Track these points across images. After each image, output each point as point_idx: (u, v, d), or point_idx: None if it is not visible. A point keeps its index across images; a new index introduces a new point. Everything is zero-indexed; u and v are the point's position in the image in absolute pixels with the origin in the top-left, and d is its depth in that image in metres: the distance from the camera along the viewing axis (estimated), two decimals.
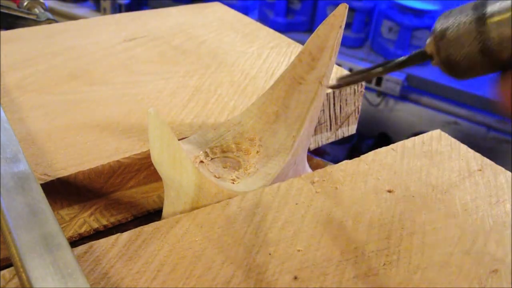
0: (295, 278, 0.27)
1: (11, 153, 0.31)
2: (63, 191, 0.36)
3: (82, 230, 0.35)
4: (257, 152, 0.36)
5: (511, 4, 0.21)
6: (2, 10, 0.70)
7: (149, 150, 0.34)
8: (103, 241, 0.28)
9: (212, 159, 0.36)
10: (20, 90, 0.46)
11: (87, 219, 0.36)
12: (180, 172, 0.32)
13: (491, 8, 0.21)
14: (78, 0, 1.65)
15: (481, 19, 0.21)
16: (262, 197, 0.32)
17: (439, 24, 0.23)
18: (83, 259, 0.27)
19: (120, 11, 1.51)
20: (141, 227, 0.29)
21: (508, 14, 0.21)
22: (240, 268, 0.27)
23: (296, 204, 0.32)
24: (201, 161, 0.35)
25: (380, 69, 0.28)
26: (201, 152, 0.36)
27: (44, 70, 0.50)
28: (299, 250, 0.29)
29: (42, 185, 0.32)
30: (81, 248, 0.28)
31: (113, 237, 0.29)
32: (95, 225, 0.36)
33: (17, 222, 0.25)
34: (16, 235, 0.25)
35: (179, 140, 0.36)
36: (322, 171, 0.35)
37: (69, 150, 0.38)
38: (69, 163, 0.36)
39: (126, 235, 0.29)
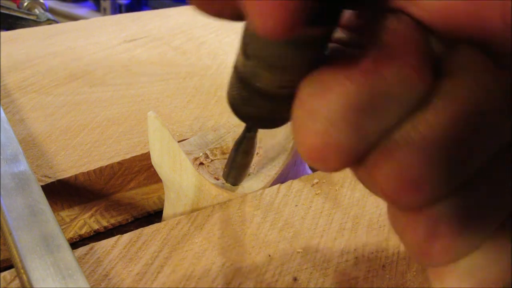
0: (295, 279, 0.27)
1: (11, 153, 0.31)
2: (63, 193, 0.36)
3: (83, 231, 0.35)
4: (257, 153, 0.37)
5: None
6: (2, 11, 0.70)
7: (149, 151, 0.34)
8: (103, 243, 0.28)
9: (212, 160, 0.36)
10: (20, 91, 0.46)
11: (87, 220, 0.36)
12: (180, 173, 0.32)
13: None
14: (78, 1, 1.65)
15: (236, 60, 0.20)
16: (262, 199, 0.32)
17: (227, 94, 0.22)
18: (83, 261, 0.27)
19: (120, 12, 1.51)
20: (142, 228, 0.29)
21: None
22: (240, 269, 0.27)
23: (296, 205, 0.32)
24: (201, 163, 0.35)
25: (239, 157, 0.31)
26: (201, 153, 0.36)
27: (45, 71, 0.50)
28: (298, 252, 0.29)
29: (42, 186, 0.32)
30: (81, 250, 0.28)
31: (114, 238, 0.29)
32: (96, 227, 0.36)
33: (17, 223, 0.25)
34: (17, 236, 0.25)
35: (179, 141, 0.36)
36: (322, 173, 0.35)
37: (70, 151, 0.38)
38: (70, 164, 0.36)
39: (126, 236, 0.29)
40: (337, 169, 0.16)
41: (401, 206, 0.16)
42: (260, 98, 0.19)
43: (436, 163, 0.15)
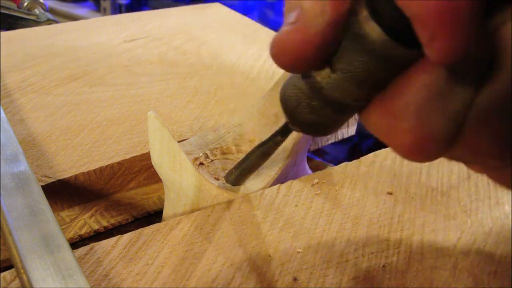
0: (295, 279, 0.27)
1: (11, 153, 0.31)
2: (63, 193, 0.36)
3: (83, 231, 0.35)
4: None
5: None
6: (2, 11, 0.70)
7: (149, 151, 0.34)
8: (103, 243, 0.28)
9: (212, 160, 0.36)
10: (20, 91, 0.46)
11: (87, 220, 0.36)
12: (180, 174, 0.32)
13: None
14: (78, 0, 1.65)
15: (308, 77, 0.20)
16: (262, 199, 0.32)
17: (281, 94, 0.23)
18: (83, 261, 0.27)
19: (120, 12, 1.51)
20: (142, 228, 0.29)
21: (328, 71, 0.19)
22: (240, 269, 0.27)
23: (296, 205, 0.32)
24: (201, 163, 0.35)
25: (254, 157, 0.30)
26: (201, 153, 0.36)
27: (45, 71, 0.50)
28: (298, 252, 0.29)
29: (42, 186, 0.32)
30: (81, 250, 0.28)
31: (114, 238, 0.29)
32: (96, 227, 0.36)
33: (17, 223, 0.25)
34: (17, 236, 0.25)
35: (179, 142, 0.36)
36: (322, 173, 0.35)
37: (70, 151, 0.38)
38: (70, 164, 0.36)
39: (126, 236, 0.29)
40: (437, 156, 0.17)
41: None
42: (331, 109, 0.20)
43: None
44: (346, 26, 0.17)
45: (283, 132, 0.28)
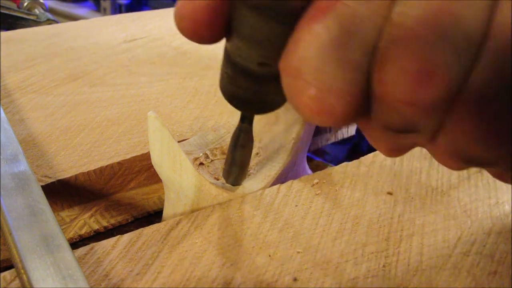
0: (295, 279, 0.27)
1: (11, 153, 0.31)
2: (63, 193, 0.36)
3: (83, 231, 0.35)
4: (257, 153, 0.37)
5: None
6: (2, 11, 0.70)
7: (149, 151, 0.34)
8: (103, 243, 0.28)
9: (212, 160, 0.36)
10: (20, 91, 0.46)
11: (87, 220, 0.36)
12: (180, 174, 0.32)
13: None
14: (78, 0, 1.65)
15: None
16: (262, 199, 0.32)
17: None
18: (83, 261, 0.27)
19: (120, 12, 1.51)
20: (142, 228, 0.30)
21: None
22: (240, 269, 0.27)
23: (296, 205, 0.32)
24: (201, 163, 0.35)
25: (234, 153, 0.30)
26: (201, 153, 0.36)
27: (45, 71, 0.50)
28: (298, 252, 0.29)
29: (42, 186, 0.32)
30: (81, 250, 0.28)
31: (114, 238, 0.29)
32: (96, 227, 0.36)
33: (17, 223, 0.25)
34: (17, 236, 0.25)
35: (179, 142, 0.36)
36: (322, 173, 0.35)
37: (70, 151, 0.38)
38: (70, 164, 0.36)
39: (126, 236, 0.29)
40: (348, 115, 0.16)
41: (421, 103, 0.15)
42: (243, 77, 0.20)
43: (434, 51, 0.14)
44: None
45: (241, 118, 0.28)
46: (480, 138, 0.15)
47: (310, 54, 0.15)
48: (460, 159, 0.17)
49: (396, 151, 0.19)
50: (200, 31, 0.18)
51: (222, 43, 0.20)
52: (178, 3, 0.18)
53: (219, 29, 0.18)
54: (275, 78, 0.18)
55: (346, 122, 0.16)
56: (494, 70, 0.14)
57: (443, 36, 0.14)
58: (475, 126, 0.15)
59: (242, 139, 0.30)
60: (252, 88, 0.20)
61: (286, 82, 0.16)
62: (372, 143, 0.20)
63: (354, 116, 0.16)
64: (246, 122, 0.28)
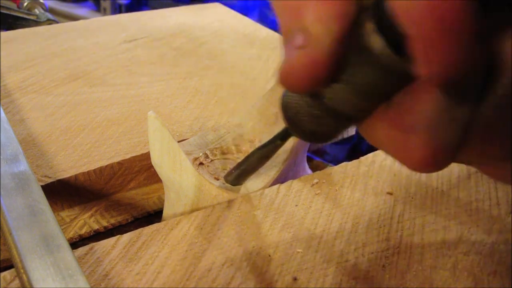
0: (295, 279, 0.27)
1: (11, 153, 0.31)
2: (63, 193, 0.36)
3: (83, 231, 0.35)
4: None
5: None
6: (2, 11, 0.70)
7: (149, 151, 0.34)
8: (103, 243, 0.28)
9: (212, 160, 0.36)
10: (20, 91, 0.46)
11: (87, 220, 0.36)
12: (180, 174, 0.32)
13: None
14: (78, 0, 1.65)
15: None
16: (262, 199, 0.32)
17: (282, 101, 0.22)
18: (83, 261, 0.27)
19: (120, 12, 1.51)
20: (142, 228, 0.30)
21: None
22: (240, 269, 0.27)
23: (296, 205, 0.32)
24: (201, 163, 0.35)
25: (253, 160, 0.30)
26: (201, 153, 0.36)
27: (45, 71, 0.50)
28: (298, 252, 0.29)
29: (42, 186, 0.32)
30: (81, 250, 0.28)
31: (114, 238, 0.29)
32: (96, 227, 0.36)
33: (17, 223, 0.25)
34: (17, 236, 0.25)
35: (179, 142, 0.36)
36: (322, 173, 0.35)
37: (70, 151, 0.38)
38: (70, 164, 0.36)
39: (126, 236, 0.29)
40: (447, 165, 0.17)
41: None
42: (332, 119, 0.20)
43: None
44: (351, 39, 0.17)
45: (282, 136, 0.28)
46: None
47: (428, 115, 0.16)
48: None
49: None
50: (312, 86, 0.18)
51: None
52: (290, 63, 0.18)
53: (326, 82, 0.18)
54: (361, 119, 0.19)
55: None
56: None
57: None
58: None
59: (269, 151, 0.30)
60: (336, 127, 0.21)
61: (391, 136, 0.17)
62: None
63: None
64: (284, 140, 0.28)
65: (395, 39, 0.16)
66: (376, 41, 0.16)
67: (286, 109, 0.21)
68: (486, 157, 0.17)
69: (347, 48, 0.17)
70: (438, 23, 0.14)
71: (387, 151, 0.18)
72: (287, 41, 0.18)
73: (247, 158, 0.31)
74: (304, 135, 0.22)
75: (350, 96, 0.18)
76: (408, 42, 0.15)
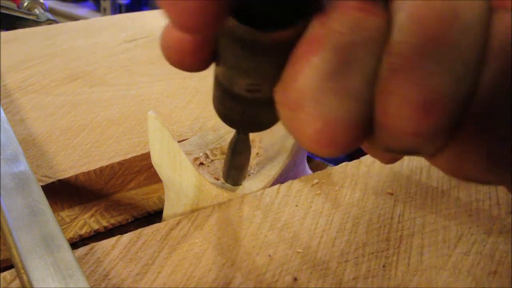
0: (295, 279, 0.27)
1: (11, 153, 0.31)
2: (63, 193, 0.36)
3: (83, 231, 0.35)
4: (257, 153, 0.37)
5: None
6: (2, 11, 0.70)
7: (149, 151, 0.34)
8: (103, 243, 0.28)
9: (212, 160, 0.36)
10: (20, 91, 0.46)
11: (87, 220, 0.36)
12: (180, 174, 0.32)
13: None
14: (78, 0, 1.65)
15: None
16: (262, 199, 0.32)
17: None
18: (83, 261, 0.27)
19: (120, 12, 1.51)
20: (142, 228, 0.29)
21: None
22: (240, 269, 0.27)
23: (296, 205, 0.32)
24: (201, 163, 0.35)
25: (232, 157, 0.30)
26: (201, 153, 0.36)
27: (45, 71, 0.50)
28: (299, 252, 0.29)
29: (42, 186, 0.32)
30: (81, 250, 0.28)
31: (114, 238, 0.29)
32: (96, 227, 0.36)
33: (17, 223, 0.25)
34: (17, 236, 0.25)
35: (179, 142, 0.36)
36: (322, 173, 0.35)
37: (70, 151, 0.38)
38: (70, 164, 0.36)
39: (126, 236, 0.29)
40: (353, 144, 0.15)
41: (425, 133, 0.15)
42: (232, 100, 0.20)
43: (436, 80, 0.14)
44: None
45: (237, 130, 0.28)
46: (481, 162, 0.15)
47: (311, 87, 0.15)
48: (460, 177, 0.17)
49: (394, 160, 0.20)
50: (187, 61, 0.18)
51: None
52: (163, 33, 0.18)
53: (205, 59, 0.18)
54: (266, 102, 0.18)
55: (351, 150, 0.16)
56: (494, 91, 0.14)
57: (443, 64, 0.14)
58: (476, 149, 0.15)
59: (239, 147, 0.30)
60: (242, 110, 0.20)
61: (286, 115, 0.16)
62: (371, 155, 0.20)
63: (359, 144, 0.16)
64: (241, 133, 0.28)
65: (240, 10, 0.15)
66: (229, 19, 0.15)
67: (212, 101, 0.22)
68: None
69: (218, 34, 0.17)
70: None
71: (290, 133, 0.16)
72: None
73: (227, 159, 0.31)
74: (225, 121, 0.22)
75: (232, 75, 0.18)
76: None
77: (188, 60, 0.17)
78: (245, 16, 0.15)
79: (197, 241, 0.29)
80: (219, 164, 0.36)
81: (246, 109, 0.20)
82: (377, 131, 0.16)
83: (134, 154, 0.38)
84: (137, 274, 0.27)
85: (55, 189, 0.35)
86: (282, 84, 0.16)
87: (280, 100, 0.16)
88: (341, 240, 0.30)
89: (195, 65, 0.18)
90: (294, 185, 0.34)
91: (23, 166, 0.30)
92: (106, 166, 0.37)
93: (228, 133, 0.38)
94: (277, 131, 0.37)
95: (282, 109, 0.16)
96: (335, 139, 0.15)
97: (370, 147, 0.19)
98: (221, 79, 0.19)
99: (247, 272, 0.27)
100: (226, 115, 0.21)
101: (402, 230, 0.31)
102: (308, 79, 0.15)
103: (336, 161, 0.38)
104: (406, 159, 0.38)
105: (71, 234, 0.35)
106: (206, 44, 0.17)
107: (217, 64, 0.19)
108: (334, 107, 0.15)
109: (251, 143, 0.37)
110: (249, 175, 0.35)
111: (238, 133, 0.28)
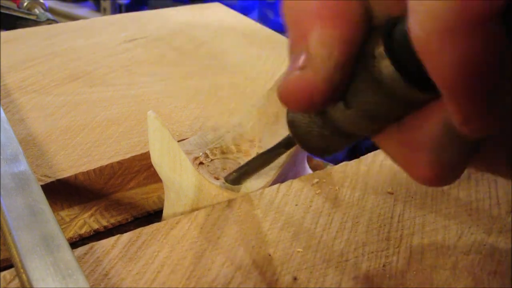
0: (295, 279, 0.27)
1: (11, 153, 0.31)
2: (63, 192, 0.36)
3: (82, 231, 0.35)
4: (257, 153, 0.37)
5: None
6: (2, 11, 0.70)
7: (149, 151, 0.34)
8: (103, 242, 0.28)
9: (212, 160, 0.36)
10: (20, 91, 0.46)
11: (87, 220, 0.36)
12: (180, 173, 0.32)
13: None
14: (78, 0, 1.65)
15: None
16: (262, 198, 0.32)
17: (288, 117, 0.22)
18: (83, 260, 0.27)
19: (120, 12, 1.51)
20: (141, 228, 0.29)
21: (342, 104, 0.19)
22: (240, 269, 0.27)
23: (296, 205, 0.32)
24: (201, 163, 0.35)
25: (255, 164, 0.31)
26: (201, 153, 0.36)
27: (44, 71, 0.50)
28: (298, 251, 0.29)
29: (42, 186, 0.32)
30: (81, 249, 0.28)
31: (113, 238, 0.29)
32: (95, 226, 0.36)
33: (17, 223, 0.25)
34: (17, 236, 0.25)
35: (178, 141, 0.36)
36: (322, 172, 0.35)
37: (69, 151, 0.38)
38: (69, 164, 0.36)
39: (126, 236, 0.29)
40: (454, 181, 0.18)
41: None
42: (341, 138, 0.20)
43: None
44: (359, 63, 0.17)
45: (286, 145, 0.28)
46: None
47: (436, 135, 0.17)
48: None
49: None
50: (310, 109, 0.18)
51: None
52: (287, 83, 0.17)
53: (330, 103, 0.18)
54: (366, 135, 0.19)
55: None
56: None
57: None
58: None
59: (274, 159, 0.30)
60: (345, 144, 0.21)
61: (400, 152, 0.18)
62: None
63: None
64: (287, 148, 0.29)
65: (406, 67, 0.15)
66: (385, 66, 0.16)
67: (295, 128, 0.21)
68: (493, 169, 0.18)
69: (353, 71, 0.17)
70: (476, 76, 0.13)
71: (399, 165, 0.19)
72: (291, 58, 0.18)
73: (249, 162, 0.31)
74: (311, 150, 0.22)
75: (361, 121, 0.18)
76: (443, 92, 0.14)
77: (314, 107, 0.18)
78: (416, 78, 0.15)
79: (197, 240, 0.29)
80: (219, 164, 0.36)
81: (346, 144, 0.21)
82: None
83: (134, 154, 0.38)
84: (137, 273, 0.27)
85: (54, 189, 0.35)
86: (406, 126, 0.17)
87: (400, 139, 0.18)
88: (341, 240, 0.30)
89: (318, 109, 0.18)
90: (294, 184, 0.34)
91: (23, 166, 0.30)
92: (106, 166, 0.37)
93: (228, 132, 0.38)
94: (277, 130, 0.37)
95: (398, 147, 0.18)
96: (443, 180, 0.17)
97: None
98: (337, 121, 0.19)
99: (246, 271, 0.27)
100: (322, 149, 0.21)
101: (402, 229, 0.31)
102: (435, 129, 0.17)
103: (336, 162, 0.38)
104: None
105: (70, 234, 0.35)
106: (337, 90, 0.17)
107: (346, 110, 0.18)
108: (451, 156, 0.17)
109: (251, 143, 0.38)
110: None
111: (287, 147, 0.29)
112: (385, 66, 0.16)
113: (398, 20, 0.16)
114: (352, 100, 0.18)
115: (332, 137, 0.20)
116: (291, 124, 0.21)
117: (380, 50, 0.16)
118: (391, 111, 0.17)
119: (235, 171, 0.32)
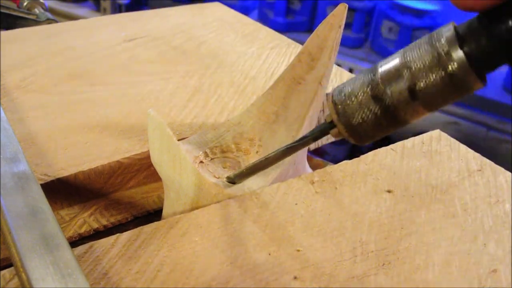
0: (295, 278, 0.27)
1: (11, 153, 0.31)
2: (63, 191, 0.36)
3: (82, 230, 0.35)
4: (257, 152, 0.37)
5: (398, 61, 0.22)
6: (2, 10, 0.70)
7: (149, 150, 0.34)
8: (103, 241, 0.28)
9: (211, 159, 0.36)
10: (20, 90, 0.46)
11: (87, 219, 0.36)
12: (179, 172, 0.32)
13: (381, 70, 0.23)
14: (78, 1, 1.65)
15: (374, 81, 0.23)
16: (262, 197, 0.32)
17: (337, 92, 0.24)
18: (83, 259, 0.27)
19: (120, 11, 1.51)
20: (141, 227, 0.29)
21: (394, 72, 0.22)
22: (239, 268, 0.27)
23: (296, 204, 0.32)
24: (201, 162, 0.35)
25: (281, 151, 0.30)
26: (201, 152, 0.36)
27: (44, 70, 0.50)
28: (298, 250, 0.29)
29: (42, 185, 0.32)
30: (81, 248, 0.28)
31: (113, 237, 0.29)
32: (95, 225, 0.36)
33: (17, 222, 0.25)
34: (16, 235, 0.25)
35: (178, 140, 0.36)
36: (322, 171, 0.35)
37: (69, 150, 0.38)
38: (69, 163, 0.36)
39: (126, 235, 0.29)
40: None
41: None
42: (396, 126, 0.23)
43: None
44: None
45: (321, 132, 0.27)
46: None
47: None
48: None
49: None
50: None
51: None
52: None
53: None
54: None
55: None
56: None
57: None
58: None
59: (297, 148, 0.30)
60: (393, 130, 0.24)
61: None
62: None
63: None
64: (317, 140, 0.29)
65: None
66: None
67: (345, 116, 0.24)
68: None
69: None
70: None
71: None
72: None
73: (268, 155, 0.30)
74: (358, 140, 0.24)
75: (421, 110, 0.22)
76: None
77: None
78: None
79: (196, 239, 0.29)
80: (218, 163, 0.36)
81: (393, 131, 0.23)
82: None
83: (133, 153, 0.38)
84: (137, 272, 0.27)
85: (54, 188, 0.35)
86: None
87: None
88: (341, 239, 0.30)
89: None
90: (294, 183, 0.34)
91: (23, 165, 0.30)
92: (106, 165, 0.37)
93: (228, 131, 0.38)
94: (277, 129, 0.37)
95: None
96: None
97: None
98: (406, 113, 0.22)
99: (246, 270, 0.27)
100: (368, 136, 0.24)
101: (401, 228, 0.31)
102: None
103: (336, 161, 0.38)
104: (406, 157, 0.38)
105: (70, 233, 0.35)
106: None
107: (412, 101, 0.21)
108: None
109: (251, 142, 0.37)
110: None
111: (303, 145, 0.29)
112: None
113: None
114: (419, 93, 0.21)
115: (388, 125, 0.22)
116: (342, 114, 0.23)
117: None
118: (450, 101, 0.21)
119: (252, 164, 0.31)
